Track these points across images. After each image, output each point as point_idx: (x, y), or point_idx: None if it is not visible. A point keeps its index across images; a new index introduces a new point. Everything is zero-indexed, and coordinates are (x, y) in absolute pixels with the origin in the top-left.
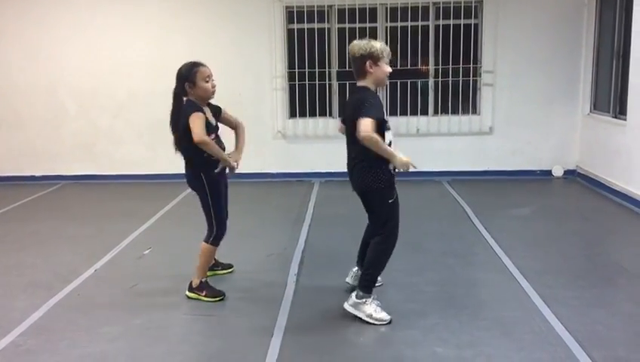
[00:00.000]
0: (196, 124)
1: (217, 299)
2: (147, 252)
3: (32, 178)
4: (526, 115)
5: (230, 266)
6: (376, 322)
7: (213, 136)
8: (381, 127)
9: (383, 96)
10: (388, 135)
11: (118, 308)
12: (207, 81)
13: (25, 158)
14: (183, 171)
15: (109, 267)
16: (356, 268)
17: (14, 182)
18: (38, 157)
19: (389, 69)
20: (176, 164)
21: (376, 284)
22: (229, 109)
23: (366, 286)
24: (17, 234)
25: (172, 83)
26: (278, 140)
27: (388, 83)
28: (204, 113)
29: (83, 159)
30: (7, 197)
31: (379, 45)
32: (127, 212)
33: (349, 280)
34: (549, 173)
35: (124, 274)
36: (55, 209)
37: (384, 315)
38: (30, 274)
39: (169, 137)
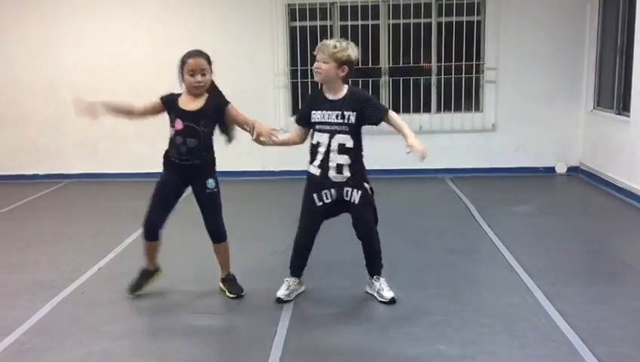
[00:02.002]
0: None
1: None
2: None
3: (36, 176)
4: (529, 111)
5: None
6: None
7: (177, 123)
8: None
9: (384, 93)
10: (315, 136)
11: (121, 307)
12: (192, 75)
13: (28, 156)
14: None
15: (113, 265)
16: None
17: (17, 181)
18: (41, 155)
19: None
20: None
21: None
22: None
23: None
24: (21, 232)
25: (174, 80)
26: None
27: (316, 77)
28: (168, 98)
29: (86, 157)
30: (11, 195)
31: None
32: (130, 210)
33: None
34: (552, 169)
35: (127, 272)
36: (58, 207)
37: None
38: (34, 272)
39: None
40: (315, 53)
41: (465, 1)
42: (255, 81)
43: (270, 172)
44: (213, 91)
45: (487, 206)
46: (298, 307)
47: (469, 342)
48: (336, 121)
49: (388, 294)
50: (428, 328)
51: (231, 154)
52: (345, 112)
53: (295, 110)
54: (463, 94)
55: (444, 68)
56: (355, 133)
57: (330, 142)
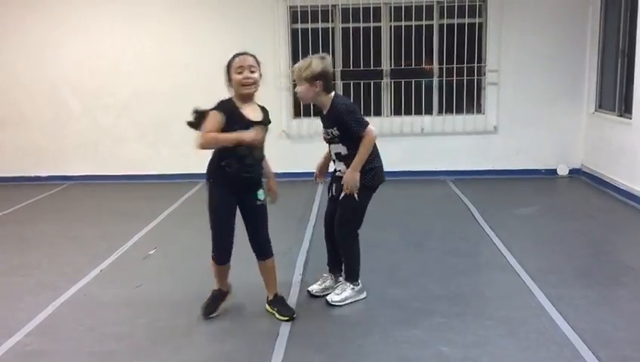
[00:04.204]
0: (206, 123)
1: (285, 318)
2: (152, 252)
3: (37, 178)
4: (531, 113)
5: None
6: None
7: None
8: None
9: (387, 95)
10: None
11: (123, 308)
12: (240, 73)
13: (30, 158)
14: (187, 171)
15: (115, 267)
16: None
17: (20, 183)
18: (43, 157)
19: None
20: (180, 163)
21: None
22: None
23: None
24: (23, 234)
25: (175, 81)
26: (283, 140)
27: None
28: (227, 112)
29: (87, 159)
30: (13, 197)
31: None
32: (132, 212)
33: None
34: (553, 171)
35: (129, 274)
36: (60, 209)
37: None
38: (36, 274)
39: (172, 136)
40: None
41: (466, 4)
42: None
43: None
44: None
45: (489, 208)
46: (299, 308)
47: (471, 345)
48: (329, 134)
49: (335, 297)
50: (429, 330)
51: None
52: (328, 129)
53: (297, 112)
54: (464, 96)
55: (445, 70)
56: (346, 142)
57: (330, 150)
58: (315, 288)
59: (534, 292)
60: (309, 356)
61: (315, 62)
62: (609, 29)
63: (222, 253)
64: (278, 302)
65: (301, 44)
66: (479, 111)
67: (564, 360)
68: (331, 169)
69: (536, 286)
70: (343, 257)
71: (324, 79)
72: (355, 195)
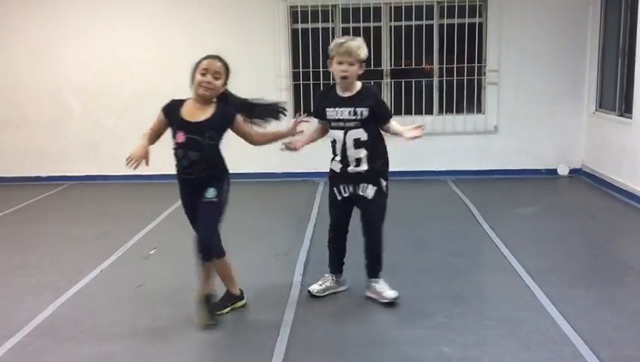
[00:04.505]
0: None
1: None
2: (153, 252)
3: (38, 178)
4: (531, 113)
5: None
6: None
7: (179, 136)
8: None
9: (386, 95)
10: (331, 132)
11: (124, 308)
12: (203, 75)
13: (30, 159)
14: None
15: (115, 267)
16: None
17: (20, 183)
18: (44, 157)
19: (336, 68)
20: None
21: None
22: None
23: None
24: (23, 234)
25: (177, 82)
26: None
27: (341, 81)
28: (167, 110)
29: (88, 159)
30: (14, 197)
31: (332, 44)
32: (133, 212)
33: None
34: (554, 171)
35: (130, 274)
36: (61, 209)
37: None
38: (36, 274)
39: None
40: (333, 54)
41: (467, 3)
42: (257, 83)
43: (272, 173)
44: (226, 101)
45: (490, 208)
46: (300, 309)
47: (471, 344)
48: (349, 117)
49: (390, 294)
50: (430, 330)
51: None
52: (357, 109)
53: (297, 112)
54: (464, 96)
55: (446, 70)
56: (369, 127)
57: (345, 138)
58: (315, 288)
59: (535, 292)
60: (310, 356)
61: (365, 45)
62: (609, 29)
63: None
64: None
65: (301, 44)
66: (479, 111)
67: (564, 360)
68: (334, 167)
69: (536, 286)
70: (374, 253)
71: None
72: (384, 188)
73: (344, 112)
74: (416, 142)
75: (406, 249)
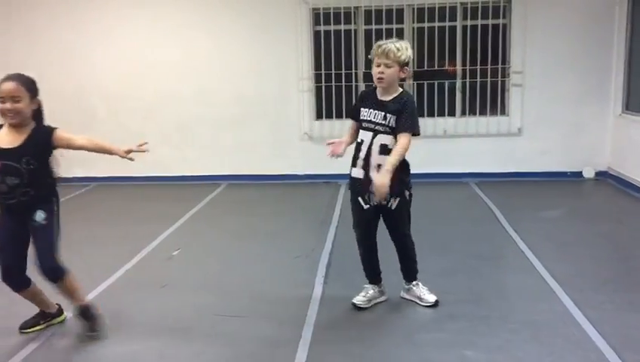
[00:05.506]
0: None
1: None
2: (176, 253)
3: (64, 180)
4: (556, 115)
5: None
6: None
7: None
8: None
9: None
10: (361, 133)
11: (149, 309)
12: (2, 102)
13: (57, 160)
14: (211, 173)
15: (140, 268)
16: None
17: None
18: (70, 159)
19: (374, 71)
20: (203, 165)
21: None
22: (254, 110)
23: None
24: None
25: (200, 84)
26: (305, 142)
27: (378, 83)
28: None
29: (113, 160)
30: None
31: (374, 46)
32: (156, 213)
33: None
34: (579, 174)
35: (154, 274)
36: (86, 210)
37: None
38: None
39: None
40: (372, 57)
41: (490, 4)
42: (279, 85)
43: (294, 175)
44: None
45: (514, 211)
46: (323, 311)
47: (495, 349)
48: (379, 121)
49: (430, 298)
50: (453, 333)
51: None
52: (388, 114)
53: (319, 114)
54: (488, 98)
55: (469, 71)
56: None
57: (372, 141)
58: (359, 300)
59: (560, 296)
60: (332, 358)
61: (410, 49)
62: (636, 29)
63: (5, 279)
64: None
65: (323, 46)
66: (503, 113)
67: None
68: (356, 174)
69: (561, 290)
70: (407, 258)
71: (409, 67)
72: (407, 197)
73: (377, 115)
74: (439, 145)
75: (428, 251)
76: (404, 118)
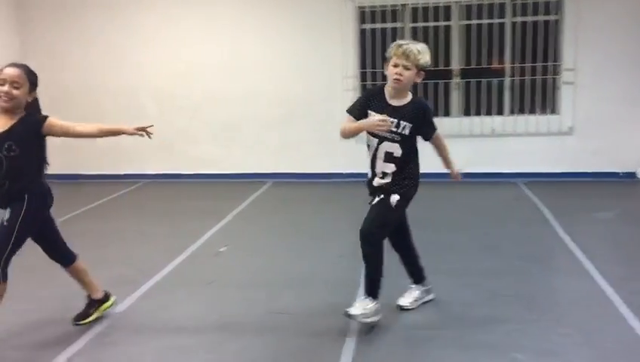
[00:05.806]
0: None
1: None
2: (223, 249)
3: (115, 176)
4: (608, 114)
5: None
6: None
7: None
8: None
9: (457, 95)
10: (367, 136)
11: (197, 304)
12: (2, 84)
13: (108, 158)
14: (257, 170)
15: (188, 264)
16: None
17: (98, 180)
18: (121, 156)
19: (391, 71)
20: (250, 163)
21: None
22: (300, 108)
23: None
24: (101, 230)
25: (246, 83)
26: (349, 140)
27: (394, 84)
28: None
29: (162, 159)
30: (91, 194)
31: (392, 45)
32: (204, 210)
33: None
34: (632, 175)
35: (202, 270)
36: (135, 207)
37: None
38: (114, 269)
39: (243, 137)
40: (390, 56)
41: (541, 0)
42: (325, 83)
43: (337, 174)
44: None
45: (564, 212)
46: None
47: (546, 352)
48: (393, 129)
49: (402, 301)
50: (503, 336)
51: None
52: (401, 122)
53: None
54: (538, 96)
55: (518, 69)
56: (406, 143)
57: (378, 147)
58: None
59: (613, 300)
60: (377, 358)
61: (429, 53)
62: None
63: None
64: None
65: (369, 45)
66: (553, 111)
67: None
68: (369, 175)
69: (615, 293)
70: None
71: (426, 72)
72: (394, 201)
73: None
74: (487, 144)
75: (476, 251)
76: (428, 124)
